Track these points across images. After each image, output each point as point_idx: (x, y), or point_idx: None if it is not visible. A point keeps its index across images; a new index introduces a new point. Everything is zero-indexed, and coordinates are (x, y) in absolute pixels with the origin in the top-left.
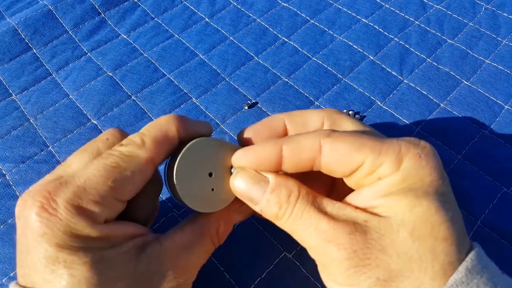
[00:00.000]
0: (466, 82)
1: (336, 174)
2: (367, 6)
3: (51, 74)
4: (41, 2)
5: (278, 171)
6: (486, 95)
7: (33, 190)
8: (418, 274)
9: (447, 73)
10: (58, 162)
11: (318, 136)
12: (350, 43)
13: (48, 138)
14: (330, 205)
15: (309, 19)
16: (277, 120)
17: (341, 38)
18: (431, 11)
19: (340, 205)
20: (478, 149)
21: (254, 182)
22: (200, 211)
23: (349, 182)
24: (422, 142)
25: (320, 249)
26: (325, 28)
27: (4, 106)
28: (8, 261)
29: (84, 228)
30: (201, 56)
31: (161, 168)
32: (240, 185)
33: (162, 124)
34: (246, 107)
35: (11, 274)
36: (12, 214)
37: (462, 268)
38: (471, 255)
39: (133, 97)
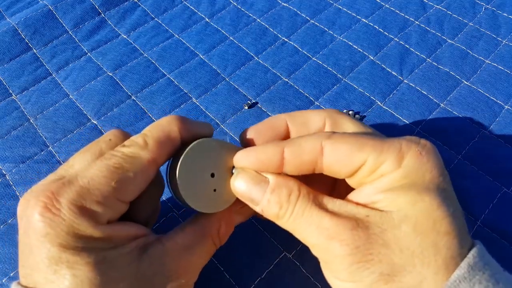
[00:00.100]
0: (466, 82)
1: (339, 175)
2: (367, 6)
3: (51, 74)
4: (41, 2)
5: (279, 173)
6: (486, 95)
7: (35, 190)
8: (420, 269)
9: (447, 73)
10: (58, 162)
11: (320, 138)
12: (350, 43)
13: (48, 138)
14: (331, 203)
15: (309, 19)
16: (279, 120)
17: (341, 38)
18: (431, 11)
19: (341, 202)
20: (478, 149)
21: (255, 183)
22: (202, 211)
23: (351, 182)
24: (423, 140)
25: (323, 246)
26: (325, 28)
27: (4, 106)
28: (8, 261)
29: (87, 228)
30: (201, 56)
31: (161, 169)
32: (240, 186)
33: (164, 125)
34: (246, 107)
35: (11, 274)
36: (12, 214)
37: (464, 264)
38: (473, 251)
39: (133, 97)
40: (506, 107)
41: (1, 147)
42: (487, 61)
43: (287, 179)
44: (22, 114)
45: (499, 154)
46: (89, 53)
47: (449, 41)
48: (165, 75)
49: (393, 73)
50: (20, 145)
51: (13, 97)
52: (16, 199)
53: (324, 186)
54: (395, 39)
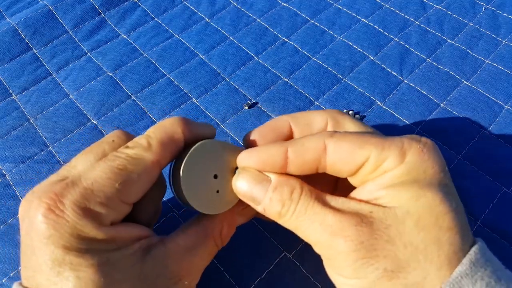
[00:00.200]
0: (466, 82)
1: (342, 173)
2: (367, 6)
3: (51, 74)
4: (41, 2)
5: (282, 173)
6: (486, 95)
7: (38, 191)
8: (424, 264)
9: (447, 73)
10: (58, 162)
11: (322, 137)
12: (350, 43)
13: (48, 138)
14: (334, 200)
15: (309, 19)
16: (281, 122)
17: (341, 38)
18: (431, 11)
19: (344, 199)
20: (478, 149)
21: (256, 182)
22: (205, 212)
23: (354, 181)
24: (424, 138)
25: (326, 243)
26: (325, 28)
27: (4, 106)
28: (8, 261)
29: (91, 230)
30: (201, 56)
31: (163, 170)
32: (242, 185)
33: (168, 127)
34: (246, 107)
35: (11, 274)
36: (12, 214)
37: (466, 260)
38: (475, 248)
39: (133, 97)
40: (506, 107)
41: (1, 147)
42: (487, 61)
43: (289, 178)
44: (22, 114)
45: (499, 154)
46: (89, 53)
47: (449, 41)
48: (165, 75)
49: (393, 73)
50: (20, 145)
51: (13, 97)
52: (16, 199)
53: (326, 187)
54: (395, 39)
